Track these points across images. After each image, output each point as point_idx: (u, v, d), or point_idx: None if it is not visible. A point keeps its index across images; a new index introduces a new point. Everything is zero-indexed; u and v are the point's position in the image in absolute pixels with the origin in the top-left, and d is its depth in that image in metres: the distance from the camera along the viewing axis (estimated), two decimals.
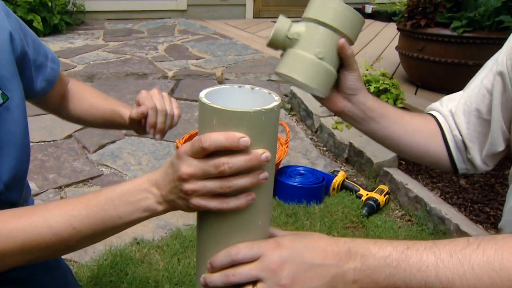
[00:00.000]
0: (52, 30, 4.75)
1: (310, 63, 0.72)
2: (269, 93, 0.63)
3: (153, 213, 0.62)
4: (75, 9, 5.26)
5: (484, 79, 0.86)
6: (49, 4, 4.52)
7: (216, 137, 0.55)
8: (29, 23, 4.43)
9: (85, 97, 1.08)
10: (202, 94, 0.60)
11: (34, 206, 0.71)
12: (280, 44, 0.75)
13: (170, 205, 0.61)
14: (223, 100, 0.61)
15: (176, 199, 0.60)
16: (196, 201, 0.58)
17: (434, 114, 0.93)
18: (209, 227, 0.63)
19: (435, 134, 0.90)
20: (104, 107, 1.06)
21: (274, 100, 0.60)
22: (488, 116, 0.84)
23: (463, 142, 0.88)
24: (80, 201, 0.64)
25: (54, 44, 4.37)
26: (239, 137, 0.55)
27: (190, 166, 0.57)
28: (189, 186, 0.57)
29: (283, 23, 0.73)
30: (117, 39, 4.70)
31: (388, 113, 0.87)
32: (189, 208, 0.60)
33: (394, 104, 2.79)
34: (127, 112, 1.00)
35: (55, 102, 1.04)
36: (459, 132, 0.88)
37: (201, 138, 0.55)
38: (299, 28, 0.73)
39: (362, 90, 0.83)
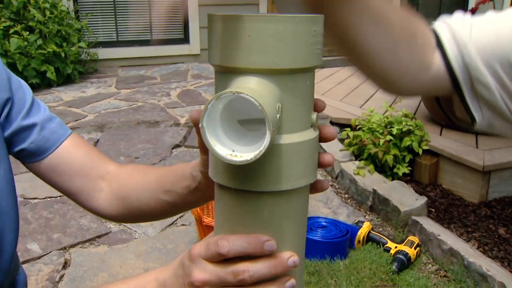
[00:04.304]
0: (65, 80, 4.74)
1: None
2: None
3: None
4: (88, 57, 5.27)
5: None
6: (62, 54, 4.52)
7: (236, 242, 0.46)
8: (43, 74, 4.43)
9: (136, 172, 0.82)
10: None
11: None
12: None
13: None
14: None
15: None
16: None
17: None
18: None
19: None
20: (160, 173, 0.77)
21: None
22: None
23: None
24: None
25: (66, 94, 4.34)
26: (264, 240, 0.45)
27: (204, 272, 0.48)
28: None
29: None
30: (129, 86, 4.66)
31: None
32: None
33: (419, 146, 2.62)
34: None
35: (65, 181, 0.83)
36: None
37: (218, 242, 0.46)
38: None
39: None
